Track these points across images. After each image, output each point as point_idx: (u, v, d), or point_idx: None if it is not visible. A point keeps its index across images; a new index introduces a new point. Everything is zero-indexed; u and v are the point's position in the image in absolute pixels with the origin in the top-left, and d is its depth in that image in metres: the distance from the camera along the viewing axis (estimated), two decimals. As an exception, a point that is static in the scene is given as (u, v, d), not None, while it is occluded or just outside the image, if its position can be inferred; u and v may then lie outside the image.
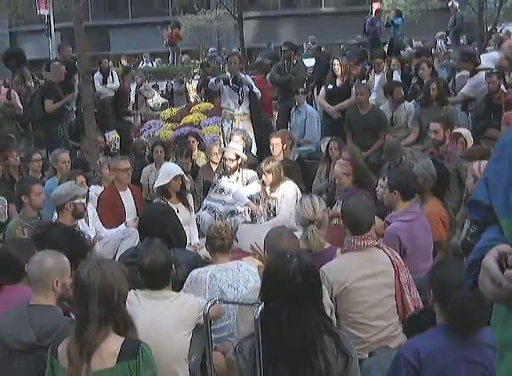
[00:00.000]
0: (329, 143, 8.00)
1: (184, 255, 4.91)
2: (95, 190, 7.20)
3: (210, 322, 3.77)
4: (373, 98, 10.00)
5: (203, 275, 4.48)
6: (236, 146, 7.72)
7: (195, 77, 16.41)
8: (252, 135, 9.53)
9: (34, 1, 20.70)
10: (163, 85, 17.14)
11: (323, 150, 8.46)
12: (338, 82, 9.94)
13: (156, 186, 6.60)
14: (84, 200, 5.92)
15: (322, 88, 10.26)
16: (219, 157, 8.15)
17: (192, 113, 13.13)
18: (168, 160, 8.19)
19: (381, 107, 9.52)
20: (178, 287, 4.32)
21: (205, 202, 7.52)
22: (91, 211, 6.51)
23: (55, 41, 20.74)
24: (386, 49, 15.45)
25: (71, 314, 3.83)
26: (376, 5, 19.12)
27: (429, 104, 8.83)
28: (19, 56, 12.55)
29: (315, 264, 3.35)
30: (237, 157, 7.51)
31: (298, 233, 4.83)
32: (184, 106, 14.31)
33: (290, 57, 11.40)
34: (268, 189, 6.97)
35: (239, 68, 9.89)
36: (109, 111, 11.40)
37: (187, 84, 15.38)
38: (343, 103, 9.71)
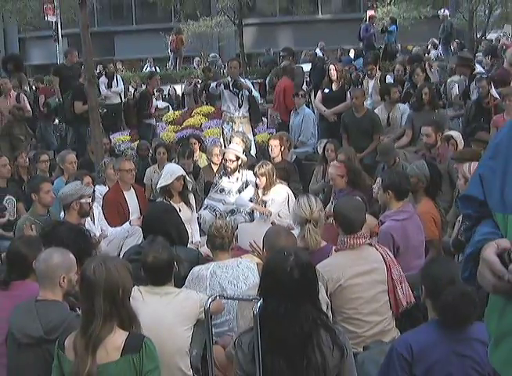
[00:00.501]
0: (325, 145, 8.00)
1: (186, 253, 4.90)
2: (101, 190, 7.20)
3: (211, 317, 3.78)
4: (368, 103, 9.99)
5: (204, 272, 4.48)
6: (235, 148, 7.72)
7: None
8: (251, 137, 9.54)
9: (43, 9, 20.67)
10: (166, 89, 17.15)
11: (320, 151, 8.46)
12: (334, 87, 9.95)
13: (159, 186, 6.59)
14: (90, 199, 5.92)
15: (319, 92, 10.27)
16: (220, 158, 8.15)
17: (193, 116, 13.12)
18: (171, 162, 8.18)
19: (377, 108, 9.52)
20: (180, 283, 4.32)
21: (206, 201, 7.51)
22: (97, 210, 6.50)
23: (62, 47, 20.70)
24: (380, 55, 15.46)
25: (77, 309, 3.83)
26: (370, 13, 19.10)
27: (421, 108, 8.84)
28: (16, 61, 12.58)
29: (312, 261, 3.35)
30: (237, 158, 7.50)
31: (295, 232, 4.83)
32: (186, 109, 14.31)
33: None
34: (260, 192, 6.98)
35: (239, 73, 9.89)
36: (133, 113, 11.36)
37: (198, 84, 15.30)
38: (338, 107, 9.72)
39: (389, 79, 10.48)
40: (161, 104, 14.47)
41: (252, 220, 7.04)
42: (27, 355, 3.62)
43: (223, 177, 7.61)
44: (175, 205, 6.04)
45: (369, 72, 10.67)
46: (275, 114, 11.09)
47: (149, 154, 9.55)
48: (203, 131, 12.04)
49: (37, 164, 8.25)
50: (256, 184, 6.99)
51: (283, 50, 12.06)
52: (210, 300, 3.62)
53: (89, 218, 6.14)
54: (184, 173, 6.62)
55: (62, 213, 5.99)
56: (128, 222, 6.44)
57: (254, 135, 10.06)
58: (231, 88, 9.57)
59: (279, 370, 3.03)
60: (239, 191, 7.44)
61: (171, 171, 6.56)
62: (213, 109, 12.94)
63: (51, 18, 20.84)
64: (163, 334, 3.71)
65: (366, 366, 3.77)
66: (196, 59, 20.95)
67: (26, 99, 10.92)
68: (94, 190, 6.52)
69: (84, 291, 3.09)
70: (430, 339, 3.22)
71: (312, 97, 11.34)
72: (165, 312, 3.89)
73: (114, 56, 26.75)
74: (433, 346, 3.20)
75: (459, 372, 3.19)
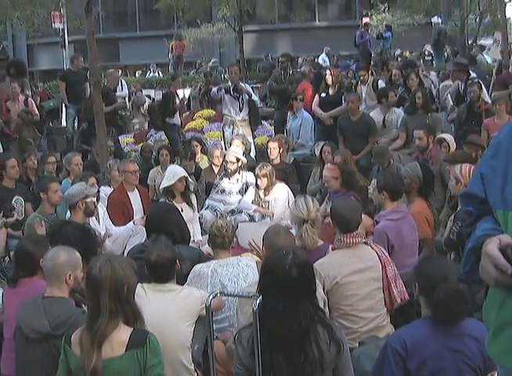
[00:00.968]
0: (322, 147, 8.00)
1: (188, 251, 4.90)
2: (105, 191, 7.18)
3: (212, 313, 3.78)
4: (362, 107, 9.98)
5: (206, 270, 4.47)
6: (236, 150, 7.72)
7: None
8: (251, 140, 9.53)
9: (50, 16, 20.68)
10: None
11: (317, 153, 8.45)
12: (331, 91, 9.96)
13: (162, 186, 6.60)
14: (95, 199, 5.93)
15: (316, 96, 10.28)
16: (220, 160, 8.14)
17: (195, 119, 13.13)
18: (173, 163, 8.18)
19: (374, 111, 9.50)
20: (182, 280, 4.31)
21: (207, 202, 7.51)
22: (102, 209, 6.50)
23: (68, 53, 20.71)
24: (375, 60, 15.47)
25: (83, 305, 3.83)
26: (365, 20, 19.13)
27: (415, 112, 8.85)
28: (18, 66, 12.55)
29: (309, 260, 3.35)
30: (237, 160, 7.50)
31: (293, 231, 4.83)
32: (188, 113, 14.30)
33: (286, 67, 11.40)
34: (261, 193, 6.97)
35: (239, 78, 9.89)
36: (157, 114, 11.33)
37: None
38: (335, 110, 9.71)
39: (381, 84, 10.45)
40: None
41: (252, 220, 7.02)
42: (35, 349, 3.62)
43: (224, 178, 7.60)
44: (178, 205, 6.04)
45: (361, 78, 10.64)
46: None
47: (153, 156, 9.55)
48: (204, 133, 12.05)
49: (44, 165, 8.26)
50: (257, 185, 6.98)
51: (282, 56, 12.05)
52: (211, 297, 3.62)
53: (94, 217, 6.14)
54: (186, 174, 6.62)
55: (68, 213, 5.99)
56: (131, 222, 6.44)
57: (253, 138, 10.06)
58: (231, 93, 9.58)
59: (278, 365, 3.03)
60: (239, 192, 7.44)
61: (174, 173, 6.56)
62: (214, 112, 12.95)
63: (58, 25, 20.86)
64: (166, 329, 3.71)
65: (362, 360, 3.77)
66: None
67: (33, 103, 10.91)
68: (99, 191, 6.52)
69: (91, 289, 3.09)
70: (424, 335, 3.22)
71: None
72: (168, 309, 3.88)
73: (119, 62, 26.82)
74: (426, 341, 3.20)
75: (452, 366, 3.19)
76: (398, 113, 9.32)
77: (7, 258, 5.70)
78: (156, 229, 4.88)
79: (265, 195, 6.94)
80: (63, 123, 13.14)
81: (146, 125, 13.56)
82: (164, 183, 6.52)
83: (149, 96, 15.78)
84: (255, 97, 9.69)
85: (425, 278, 3.35)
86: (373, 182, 5.85)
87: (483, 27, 19.52)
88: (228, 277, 4.45)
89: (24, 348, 3.68)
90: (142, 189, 7.36)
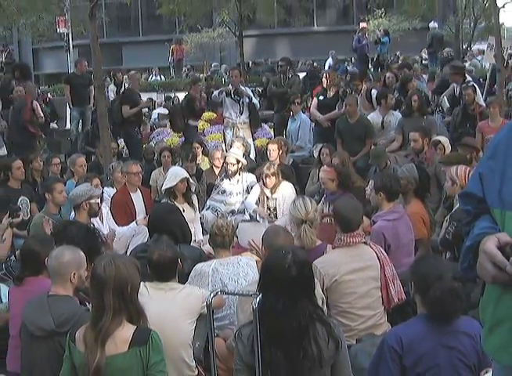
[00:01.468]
0: (321, 149, 8.01)
1: (189, 251, 4.90)
2: (109, 192, 7.19)
3: (213, 311, 3.78)
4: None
5: (207, 269, 4.47)
6: (236, 152, 7.71)
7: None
8: (251, 142, 9.53)
9: (55, 22, 20.71)
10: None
11: (316, 155, 8.46)
12: (329, 94, 9.96)
13: (164, 187, 6.59)
14: (99, 200, 5.92)
15: (315, 98, 10.28)
16: (221, 161, 8.14)
17: (196, 121, 13.10)
18: (175, 165, 8.18)
19: (372, 113, 9.49)
20: (183, 279, 4.31)
21: (208, 202, 7.50)
22: (105, 210, 6.50)
23: (73, 57, 20.74)
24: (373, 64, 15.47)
25: (87, 303, 3.83)
26: (362, 25, 19.12)
27: (411, 114, 8.85)
28: (23, 70, 12.55)
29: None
30: (238, 161, 7.50)
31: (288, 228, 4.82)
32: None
33: (285, 71, 11.39)
34: (268, 191, 6.96)
35: (240, 81, 9.89)
36: (180, 117, 11.32)
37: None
38: (332, 113, 9.71)
39: (374, 93, 10.38)
40: (163, 111, 14.46)
41: (253, 220, 7.01)
42: (40, 347, 3.62)
43: (224, 179, 7.60)
44: (179, 206, 6.03)
45: (355, 88, 10.68)
46: None
47: (155, 158, 9.55)
48: (205, 136, 12.04)
49: (49, 166, 8.26)
50: (264, 183, 6.96)
51: (281, 60, 12.05)
52: (212, 295, 3.61)
53: (98, 218, 6.14)
54: (187, 175, 6.62)
55: (72, 214, 5.99)
56: (134, 222, 6.43)
57: (253, 140, 10.06)
58: (232, 96, 9.58)
59: (277, 362, 3.03)
60: (240, 193, 7.43)
61: (176, 174, 6.56)
62: (215, 115, 12.94)
63: (62, 30, 20.89)
64: (167, 327, 3.70)
65: (359, 357, 3.77)
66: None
67: (39, 105, 10.91)
68: (102, 192, 6.52)
69: (95, 287, 3.08)
70: (419, 332, 3.22)
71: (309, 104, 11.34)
72: (170, 307, 3.88)
73: (122, 66, 26.82)
74: (422, 339, 3.20)
75: (447, 363, 3.19)
76: (396, 114, 9.32)
77: (13, 257, 5.70)
78: (158, 229, 4.88)
79: (272, 193, 6.94)
80: (67, 125, 13.13)
81: (149, 128, 13.56)
82: (166, 184, 6.52)
83: (151, 99, 15.75)
84: (255, 100, 9.69)
85: (421, 277, 3.35)
86: (370, 183, 5.85)
87: (477, 32, 19.51)
88: (228, 276, 4.45)
89: (29, 345, 3.68)
90: (144, 190, 7.35)
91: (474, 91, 9.28)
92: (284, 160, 8.41)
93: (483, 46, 18.51)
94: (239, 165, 7.51)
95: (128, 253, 5.41)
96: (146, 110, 13.07)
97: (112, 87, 13.10)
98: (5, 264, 5.58)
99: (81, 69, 12.35)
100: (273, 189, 6.93)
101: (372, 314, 4.35)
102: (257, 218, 6.93)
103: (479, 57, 17.57)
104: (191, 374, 3.92)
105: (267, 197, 6.95)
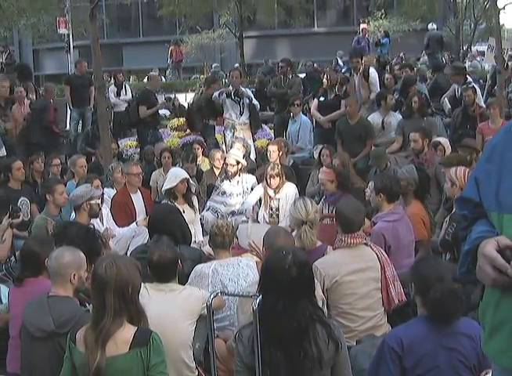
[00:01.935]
0: (321, 150, 8.00)
1: (189, 252, 4.89)
2: (109, 193, 7.18)
3: (213, 312, 3.78)
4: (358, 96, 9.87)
5: (207, 270, 4.47)
6: (236, 153, 7.70)
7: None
8: (251, 143, 9.53)
9: (55, 22, 20.74)
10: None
11: (316, 156, 8.45)
12: (329, 95, 9.96)
13: (164, 188, 6.59)
14: (99, 201, 5.92)
15: (315, 100, 10.28)
16: (221, 162, 8.14)
17: (197, 122, 13.08)
18: (175, 165, 8.18)
19: (372, 114, 9.48)
20: (183, 280, 4.31)
21: (208, 203, 7.50)
22: (106, 211, 6.50)
23: (73, 57, 20.75)
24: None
25: (87, 304, 3.82)
26: (362, 26, 19.14)
27: (411, 115, 8.85)
28: (23, 70, 12.55)
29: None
30: (238, 162, 7.49)
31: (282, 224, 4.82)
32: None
33: (286, 72, 11.39)
34: (271, 192, 6.96)
35: (240, 82, 9.90)
36: (198, 117, 11.30)
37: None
38: (333, 114, 9.71)
39: (372, 72, 10.14)
40: (163, 111, 14.45)
41: (253, 221, 7.01)
42: (40, 347, 3.62)
43: (224, 180, 7.59)
44: (179, 207, 6.03)
45: (354, 66, 10.33)
46: None
47: (155, 158, 9.54)
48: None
49: (49, 167, 8.25)
50: (268, 184, 6.95)
51: (282, 61, 12.05)
52: (212, 296, 3.62)
53: (98, 218, 6.14)
54: (188, 176, 6.62)
55: (72, 214, 5.99)
56: (134, 223, 6.43)
57: (253, 141, 10.05)
58: (232, 97, 9.57)
59: (277, 362, 3.03)
60: (240, 194, 7.43)
61: (176, 175, 6.56)
62: (215, 116, 12.90)
63: (63, 31, 20.90)
64: (167, 328, 3.70)
65: (359, 358, 3.77)
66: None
67: (39, 107, 10.91)
68: (103, 193, 6.52)
69: (96, 288, 3.08)
70: (419, 333, 3.22)
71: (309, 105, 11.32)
72: (170, 308, 3.88)
73: (122, 66, 26.84)
74: (422, 340, 3.20)
75: (447, 364, 3.19)
76: (397, 116, 9.31)
77: (13, 258, 5.70)
78: (158, 230, 4.87)
79: (276, 193, 6.94)
80: (67, 126, 13.13)
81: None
82: (166, 185, 6.52)
83: (169, 99, 15.73)
84: (255, 101, 9.69)
85: (421, 278, 3.35)
86: (370, 184, 5.85)
87: (478, 34, 19.55)
88: (228, 277, 4.44)
89: (29, 346, 3.68)
90: (144, 191, 7.36)
91: (475, 92, 9.28)
92: (284, 162, 8.40)
93: (483, 47, 18.55)
94: (239, 166, 7.51)
95: (128, 254, 5.40)
96: (162, 111, 13.06)
97: (112, 88, 13.06)
98: (5, 265, 5.58)
99: (81, 70, 12.35)
100: (277, 190, 6.93)
101: (372, 315, 4.35)
102: (258, 219, 6.94)
103: (478, 58, 17.59)
104: (191, 375, 3.92)
105: (270, 197, 6.95)
